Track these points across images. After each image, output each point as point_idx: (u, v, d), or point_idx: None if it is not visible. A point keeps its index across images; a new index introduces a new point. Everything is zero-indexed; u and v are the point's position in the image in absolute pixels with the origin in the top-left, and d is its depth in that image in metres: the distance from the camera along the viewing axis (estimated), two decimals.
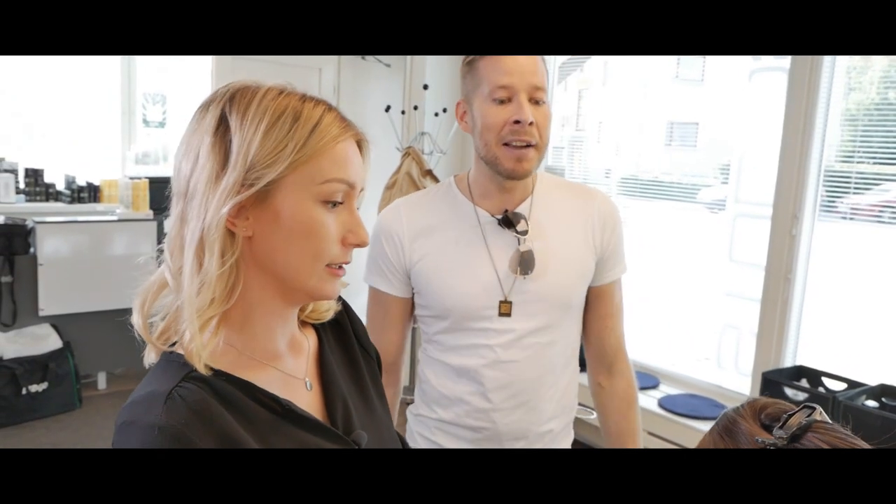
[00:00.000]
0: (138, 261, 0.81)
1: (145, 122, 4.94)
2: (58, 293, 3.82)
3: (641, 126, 3.92)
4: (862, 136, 2.81)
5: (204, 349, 0.71)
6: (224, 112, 0.74)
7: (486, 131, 1.24)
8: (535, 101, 1.23)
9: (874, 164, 2.81)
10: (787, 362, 2.97)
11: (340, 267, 0.78)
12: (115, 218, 4.00)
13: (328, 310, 0.90)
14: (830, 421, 0.64)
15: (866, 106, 2.83)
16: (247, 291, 0.76)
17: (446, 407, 1.35)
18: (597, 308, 1.40)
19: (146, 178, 4.07)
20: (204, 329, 0.72)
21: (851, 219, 2.86)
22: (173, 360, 0.73)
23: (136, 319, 0.76)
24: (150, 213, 4.02)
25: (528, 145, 1.23)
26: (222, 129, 0.73)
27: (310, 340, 0.88)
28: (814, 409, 0.64)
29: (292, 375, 0.82)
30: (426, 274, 1.31)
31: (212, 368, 0.72)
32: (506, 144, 1.23)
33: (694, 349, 3.64)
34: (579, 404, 1.47)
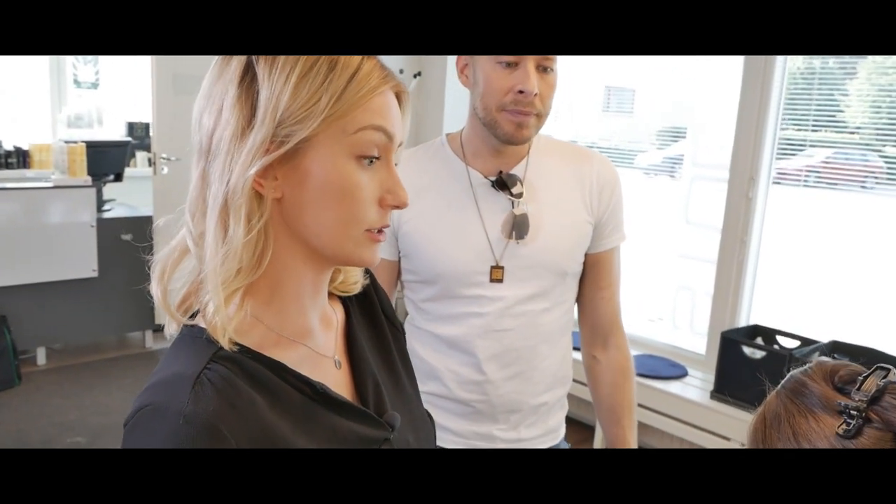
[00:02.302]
0: (156, 224, 0.72)
1: (76, 82, 4.56)
2: None
3: (580, 91, 3.88)
4: (787, 103, 2.86)
5: (229, 324, 0.64)
6: (250, 59, 0.65)
7: (488, 95, 1.18)
8: (544, 69, 1.16)
9: (798, 130, 2.88)
10: (742, 322, 3.00)
11: (380, 231, 0.70)
12: (50, 184, 3.71)
13: (356, 282, 0.82)
14: None
15: (791, 73, 2.86)
16: (276, 259, 0.68)
17: (436, 380, 1.28)
18: (593, 277, 1.33)
19: (83, 141, 3.75)
20: (229, 301, 0.65)
21: (778, 183, 2.92)
22: (197, 336, 0.66)
23: (154, 290, 0.69)
24: (89, 179, 3.75)
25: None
26: (248, 78, 0.64)
27: (337, 314, 0.80)
28: (888, 370, 0.61)
29: (321, 353, 0.75)
30: (414, 237, 1.25)
31: (238, 345, 0.65)
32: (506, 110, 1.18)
33: (648, 310, 3.66)
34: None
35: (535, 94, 1.15)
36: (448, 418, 1.29)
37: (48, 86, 4.46)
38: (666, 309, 3.51)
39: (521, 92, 1.14)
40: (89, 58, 4.61)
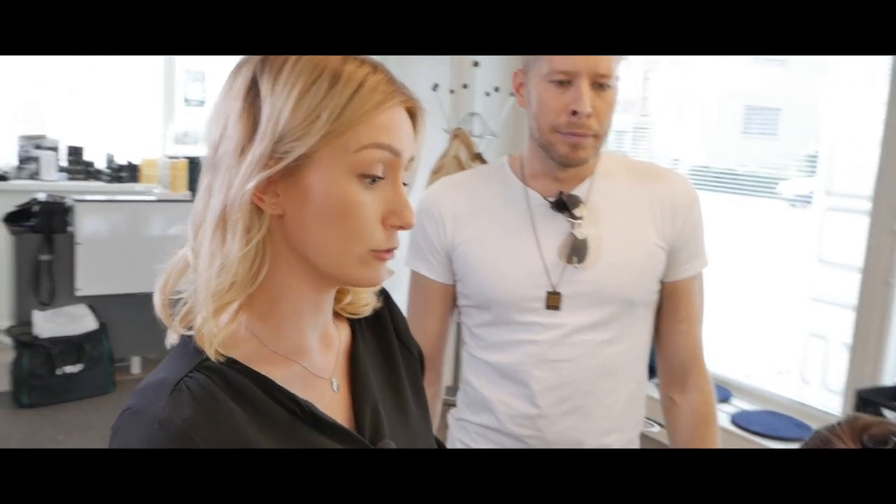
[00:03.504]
0: (169, 231, 0.73)
1: (186, 100, 4.70)
2: (94, 273, 3.69)
3: (715, 111, 3.60)
4: None
5: (216, 336, 0.65)
6: (255, 75, 0.66)
7: (542, 116, 1.14)
8: (600, 86, 1.11)
9: None
10: (888, 380, 2.53)
11: (388, 251, 0.69)
12: (152, 198, 3.87)
13: (367, 304, 0.80)
14: None
15: None
16: (274, 275, 0.69)
17: (488, 411, 1.23)
18: (670, 308, 1.24)
19: (185, 157, 3.86)
20: (219, 314, 0.66)
21: None
22: (188, 346, 0.67)
23: (156, 299, 0.70)
24: (188, 194, 3.90)
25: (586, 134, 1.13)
26: (252, 94, 0.66)
27: (342, 335, 0.79)
28: None
29: (317, 375, 0.74)
30: (468, 259, 1.21)
31: (226, 357, 0.66)
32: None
33: (773, 360, 3.30)
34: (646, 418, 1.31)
35: (590, 115, 1.10)
36: None
37: (162, 103, 4.62)
38: (794, 360, 3.13)
39: (574, 112, 1.10)
40: (198, 75, 4.74)
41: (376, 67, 0.68)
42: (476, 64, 3.48)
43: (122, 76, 4.52)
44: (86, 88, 4.49)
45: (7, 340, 3.64)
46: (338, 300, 0.78)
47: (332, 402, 0.74)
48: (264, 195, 0.66)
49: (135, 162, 4.32)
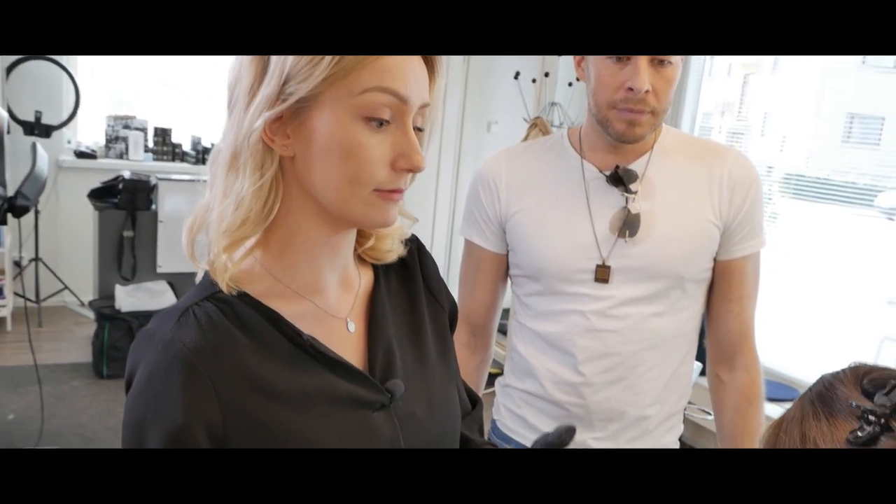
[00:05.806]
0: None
1: None
2: (175, 251, 3.88)
3: (815, 118, 3.51)
4: None
5: (227, 270, 0.68)
6: None
7: (599, 92, 1.15)
8: (660, 62, 1.11)
9: None
10: None
11: (394, 191, 0.70)
12: None
13: (390, 251, 0.82)
14: None
15: None
16: (287, 215, 0.71)
17: (532, 378, 1.27)
18: (721, 286, 1.25)
19: None
20: (232, 249, 0.69)
21: None
22: (207, 279, 0.72)
23: (184, 237, 0.73)
24: None
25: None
26: None
27: (363, 278, 0.82)
28: None
29: (331, 314, 0.76)
30: (521, 229, 1.25)
31: (238, 290, 0.70)
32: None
33: (847, 363, 3.07)
34: (690, 402, 1.35)
35: (647, 91, 1.10)
36: (542, 420, 1.26)
37: None
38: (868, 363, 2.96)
39: (630, 89, 1.10)
40: None
41: None
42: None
43: (211, 62, 4.60)
44: (175, 74, 4.59)
45: (90, 313, 3.72)
46: (360, 244, 0.81)
47: (346, 341, 0.76)
48: (275, 136, 0.68)
49: None
